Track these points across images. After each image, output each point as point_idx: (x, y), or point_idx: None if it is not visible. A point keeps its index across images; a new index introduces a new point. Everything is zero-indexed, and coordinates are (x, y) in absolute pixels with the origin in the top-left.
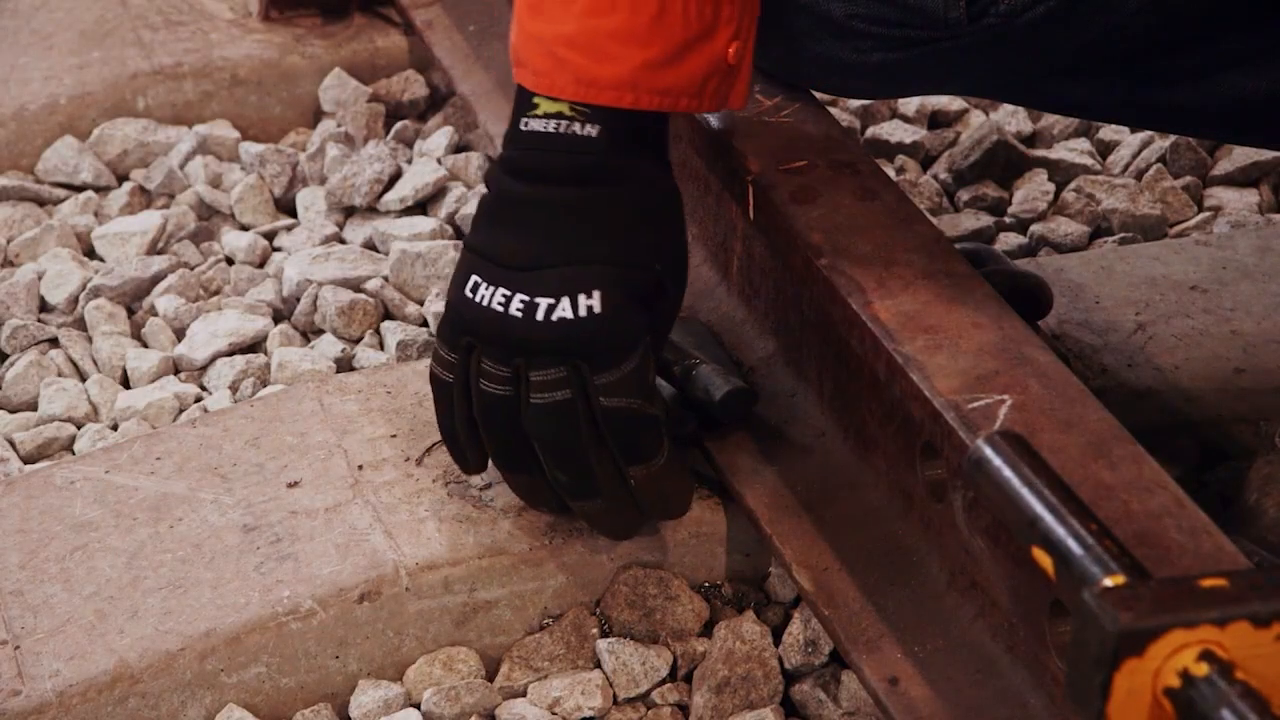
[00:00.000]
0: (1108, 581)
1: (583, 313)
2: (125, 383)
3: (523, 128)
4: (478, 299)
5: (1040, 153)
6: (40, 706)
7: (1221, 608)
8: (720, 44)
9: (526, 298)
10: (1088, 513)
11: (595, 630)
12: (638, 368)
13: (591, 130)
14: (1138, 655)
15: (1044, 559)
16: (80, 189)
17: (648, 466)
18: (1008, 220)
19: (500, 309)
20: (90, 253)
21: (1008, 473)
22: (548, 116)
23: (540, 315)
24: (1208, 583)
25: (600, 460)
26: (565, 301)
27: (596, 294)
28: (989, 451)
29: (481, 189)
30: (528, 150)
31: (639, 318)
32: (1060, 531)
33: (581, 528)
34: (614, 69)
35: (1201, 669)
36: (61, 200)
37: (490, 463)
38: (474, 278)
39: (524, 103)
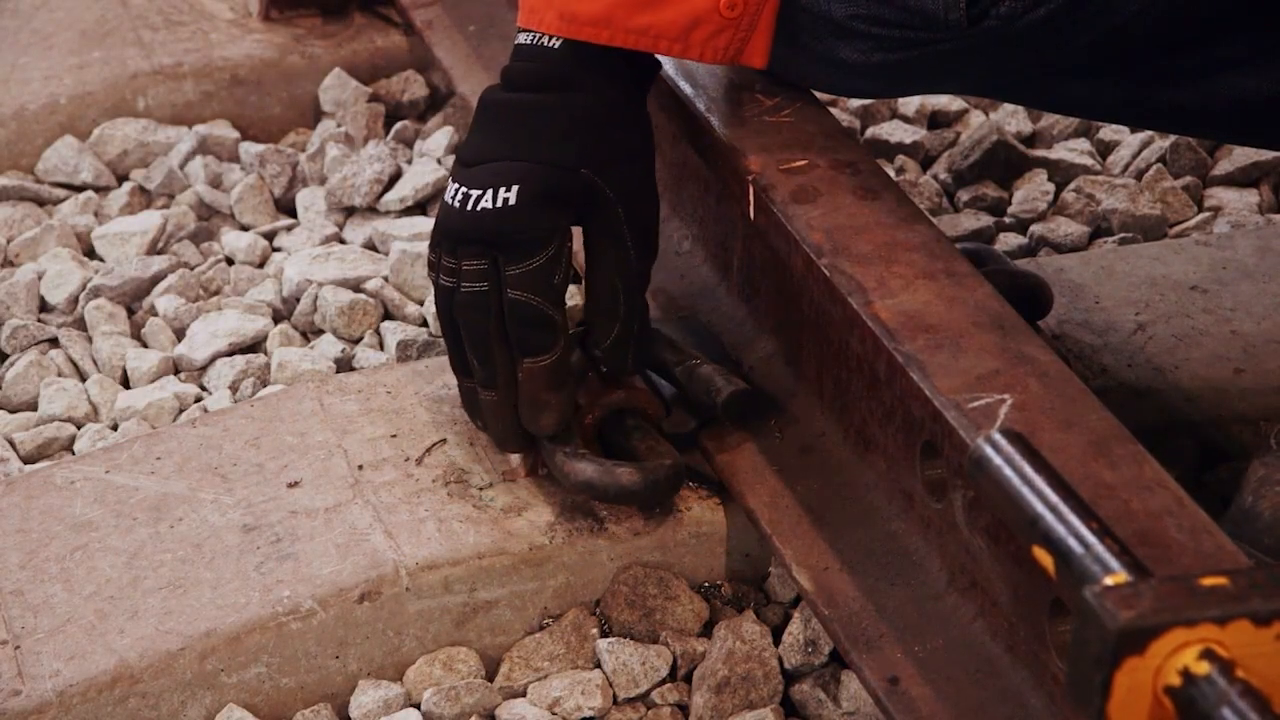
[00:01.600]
0: (1108, 580)
1: (499, 203)
2: (125, 383)
3: (515, 42)
4: (446, 197)
5: (1040, 153)
6: (40, 706)
7: (1222, 606)
8: None
9: (465, 190)
10: (1089, 511)
11: (595, 630)
12: (543, 266)
13: (555, 43)
14: (1138, 654)
15: (1045, 558)
16: (80, 189)
17: (535, 361)
18: (1008, 220)
19: (449, 202)
20: (90, 253)
21: (1008, 472)
22: (529, 30)
23: (470, 205)
24: (1208, 581)
25: (503, 354)
26: (489, 193)
27: (515, 188)
28: (989, 450)
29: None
30: (513, 62)
31: (553, 216)
32: (1061, 530)
33: (582, 527)
34: (591, 5)
35: (1202, 667)
36: (61, 200)
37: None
38: (450, 180)
39: None
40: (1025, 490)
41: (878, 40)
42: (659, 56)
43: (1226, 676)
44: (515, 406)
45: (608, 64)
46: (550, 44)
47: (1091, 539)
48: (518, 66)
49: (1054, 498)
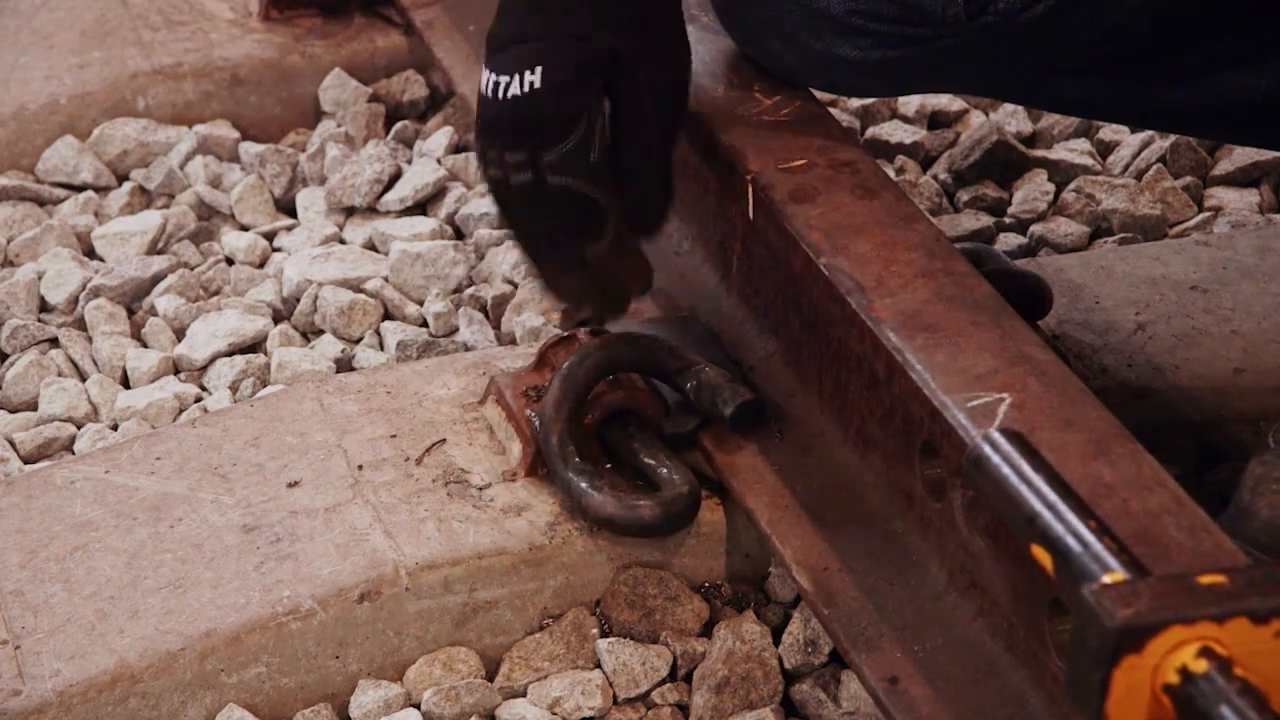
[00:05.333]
0: (1107, 579)
1: (525, 89)
2: (125, 383)
3: None
4: (480, 87)
5: (1040, 153)
6: (40, 706)
7: (1220, 604)
8: None
9: (494, 77)
10: (1087, 510)
11: (595, 630)
12: (577, 147)
13: None
14: (1137, 652)
15: (1043, 556)
16: (80, 189)
17: (594, 244)
18: (1008, 220)
19: (483, 91)
20: (90, 253)
21: (1006, 470)
22: None
23: (501, 94)
24: (1206, 580)
25: (564, 236)
26: (516, 79)
27: (539, 69)
28: (987, 449)
29: (482, 187)
30: None
31: (578, 94)
32: (1059, 529)
33: (581, 527)
34: None
35: (1200, 665)
36: (61, 200)
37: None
38: (482, 68)
39: None
40: (1023, 489)
41: (876, 37)
42: None
43: (1225, 674)
44: (597, 279)
45: None
46: None
47: (1090, 537)
48: None
49: (1052, 496)
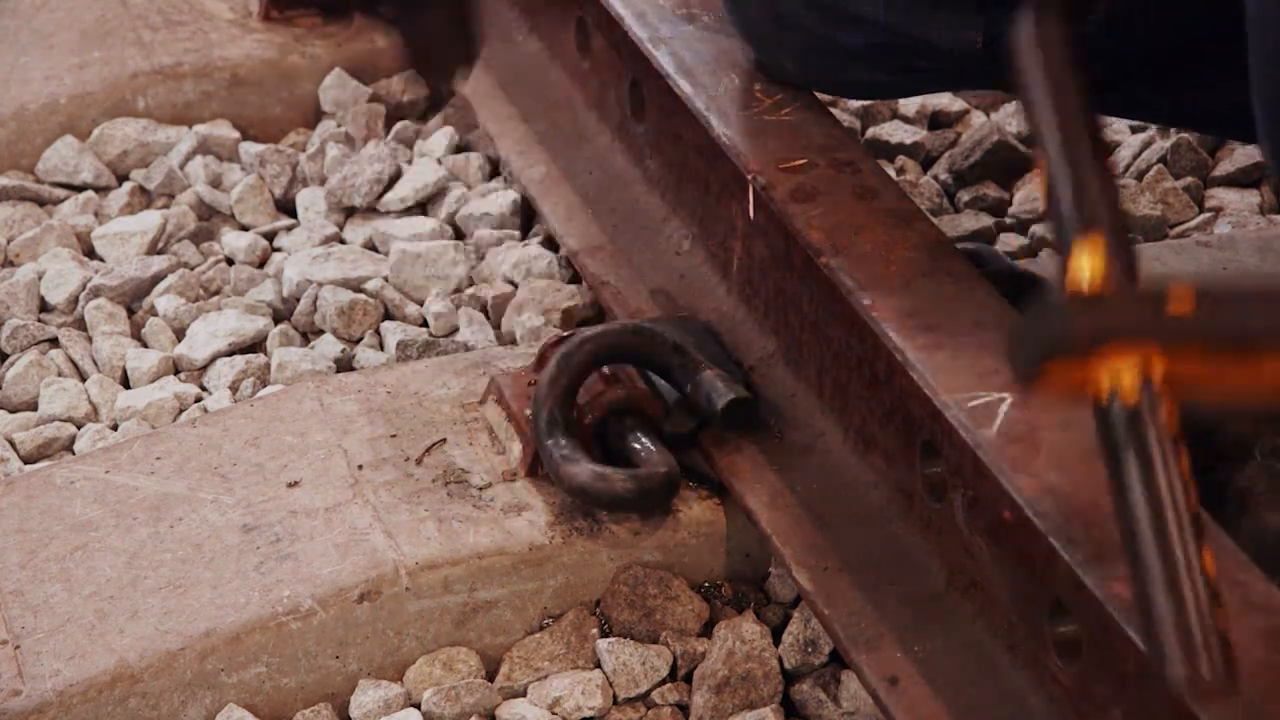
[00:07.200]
0: (1085, 243)
1: None
2: (125, 383)
3: None
4: None
5: None
6: (40, 706)
7: (1178, 332)
8: None
9: None
10: (1101, 159)
11: (595, 630)
12: None
13: None
14: (1080, 357)
15: (1040, 183)
16: (80, 189)
17: None
18: (1008, 220)
19: None
20: (90, 253)
21: (1039, 73)
22: None
23: None
24: (1176, 306)
25: None
26: None
27: None
28: (1028, 39)
29: (482, 187)
30: None
31: None
32: (1064, 171)
33: (582, 527)
34: None
35: (1133, 394)
36: (61, 200)
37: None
38: None
39: None
40: (1046, 102)
41: (893, 65)
42: None
43: (1152, 408)
44: None
45: None
46: None
47: (1085, 191)
48: None
49: (1072, 127)
